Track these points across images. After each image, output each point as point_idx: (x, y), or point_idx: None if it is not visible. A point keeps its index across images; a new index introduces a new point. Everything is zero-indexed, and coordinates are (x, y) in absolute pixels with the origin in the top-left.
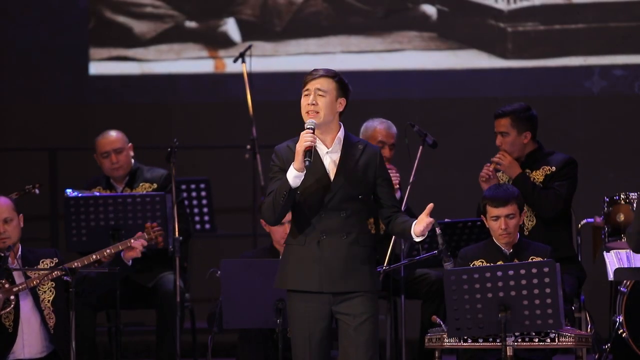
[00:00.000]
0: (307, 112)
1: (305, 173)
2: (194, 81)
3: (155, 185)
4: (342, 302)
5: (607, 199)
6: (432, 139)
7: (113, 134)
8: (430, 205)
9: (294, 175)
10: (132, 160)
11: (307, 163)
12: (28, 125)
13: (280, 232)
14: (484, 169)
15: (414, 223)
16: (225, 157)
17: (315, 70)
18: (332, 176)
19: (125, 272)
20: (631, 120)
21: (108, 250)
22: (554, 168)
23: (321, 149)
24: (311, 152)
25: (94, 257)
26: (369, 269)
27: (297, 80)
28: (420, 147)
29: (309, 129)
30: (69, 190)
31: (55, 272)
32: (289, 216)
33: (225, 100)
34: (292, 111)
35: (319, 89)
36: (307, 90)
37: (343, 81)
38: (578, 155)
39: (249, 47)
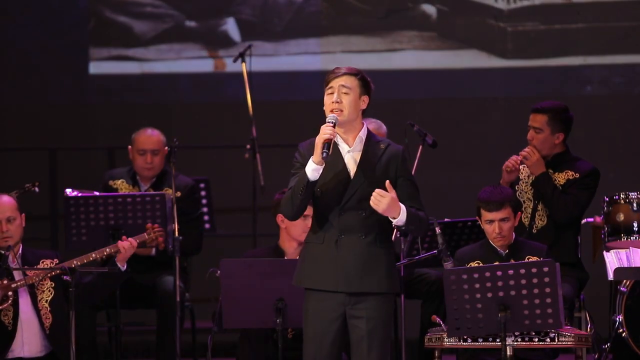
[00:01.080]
0: (332, 110)
1: (326, 171)
2: (194, 81)
3: (179, 194)
4: (357, 303)
5: (607, 199)
6: (432, 139)
7: (155, 134)
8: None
9: (312, 169)
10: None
11: (324, 155)
12: (28, 125)
13: (301, 226)
14: (511, 159)
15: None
16: (225, 157)
17: (337, 68)
18: (352, 175)
19: (122, 277)
20: (631, 120)
21: (108, 250)
22: (577, 175)
23: (343, 147)
24: (329, 145)
25: (93, 255)
26: (386, 269)
27: (297, 80)
28: (420, 147)
29: (329, 122)
30: (68, 190)
31: (56, 271)
32: (309, 210)
33: (225, 100)
34: (292, 111)
35: (343, 86)
36: (330, 88)
37: (365, 79)
38: (578, 155)
39: (249, 47)
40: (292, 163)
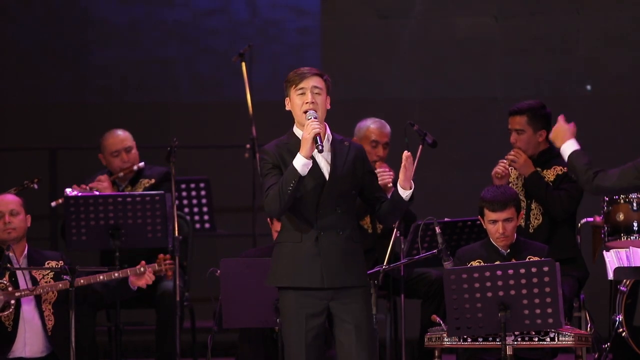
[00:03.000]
0: (306, 111)
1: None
2: (194, 81)
3: (153, 181)
4: (340, 297)
5: (607, 199)
6: (432, 138)
7: (121, 133)
8: (406, 153)
9: (302, 163)
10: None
11: (320, 147)
12: (28, 125)
13: None
14: (500, 165)
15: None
16: (225, 157)
17: (301, 69)
18: (326, 174)
19: (128, 295)
20: (631, 120)
21: (117, 274)
22: (566, 169)
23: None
24: (320, 139)
25: (100, 277)
26: (363, 264)
27: None
28: (420, 147)
29: (313, 117)
30: (68, 190)
31: (61, 284)
32: None
33: (225, 100)
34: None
35: (315, 87)
36: (302, 89)
37: (329, 80)
38: None
39: (249, 47)
40: (262, 165)
